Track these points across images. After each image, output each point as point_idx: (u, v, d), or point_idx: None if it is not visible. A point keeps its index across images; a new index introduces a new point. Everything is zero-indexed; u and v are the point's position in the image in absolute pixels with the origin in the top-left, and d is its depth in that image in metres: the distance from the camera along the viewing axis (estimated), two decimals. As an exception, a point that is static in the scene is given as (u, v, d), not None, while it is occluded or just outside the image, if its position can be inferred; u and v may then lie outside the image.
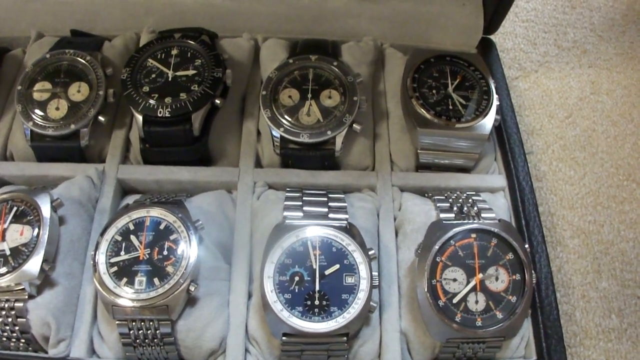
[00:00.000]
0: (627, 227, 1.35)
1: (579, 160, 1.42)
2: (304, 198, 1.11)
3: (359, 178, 1.20)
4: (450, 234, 1.07)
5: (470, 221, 1.09)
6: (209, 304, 1.07)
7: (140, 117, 1.16)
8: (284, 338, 1.02)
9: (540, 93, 1.49)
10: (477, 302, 1.05)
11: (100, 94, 1.20)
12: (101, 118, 1.19)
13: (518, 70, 1.52)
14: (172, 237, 1.06)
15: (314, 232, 1.06)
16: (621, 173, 1.41)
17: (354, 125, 1.17)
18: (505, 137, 1.26)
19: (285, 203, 1.10)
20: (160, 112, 1.15)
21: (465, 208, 1.12)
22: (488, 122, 1.20)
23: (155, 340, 1.04)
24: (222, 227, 1.16)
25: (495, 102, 1.22)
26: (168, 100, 1.16)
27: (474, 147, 1.20)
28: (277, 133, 1.16)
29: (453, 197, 1.15)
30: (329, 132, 1.15)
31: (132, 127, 1.26)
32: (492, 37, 1.43)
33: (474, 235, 1.08)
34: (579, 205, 1.37)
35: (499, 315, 1.05)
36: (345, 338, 1.02)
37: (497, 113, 1.21)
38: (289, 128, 1.16)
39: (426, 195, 1.20)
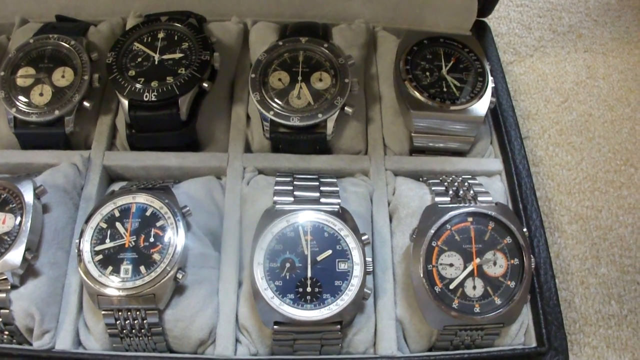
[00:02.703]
0: (625, 212, 1.30)
1: (575, 145, 1.37)
2: (294, 183, 1.05)
3: (351, 162, 1.15)
4: (446, 217, 1.01)
5: (466, 205, 1.04)
6: (198, 292, 1.01)
7: (126, 102, 1.10)
8: (275, 327, 0.96)
9: (535, 78, 1.44)
10: (474, 287, 1.00)
11: (85, 79, 1.14)
12: (86, 104, 1.13)
13: (513, 55, 1.47)
14: (158, 224, 1.00)
15: (305, 217, 1.00)
16: (619, 158, 1.36)
17: (345, 108, 1.11)
18: (501, 120, 1.20)
19: (276, 188, 1.04)
20: (146, 96, 1.09)
21: (461, 192, 1.06)
22: (483, 104, 1.14)
23: (143, 330, 0.98)
24: (211, 214, 1.10)
25: (491, 84, 1.16)
26: (154, 84, 1.10)
27: (469, 130, 1.14)
28: (267, 117, 1.10)
29: (448, 180, 1.09)
30: (320, 115, 1.09)
31: (118, 113, 1.19)
32: (486, 20, 1.37)
33: (470, 219, 1.02)
34: (577, 191, 1.32)
35: (498, 301, 0.99)
36: (338, 326, 0.96)
37: (492, 95, 1.15)
38: (279, 111, 1.10)
39: (421, 179, 1.14)
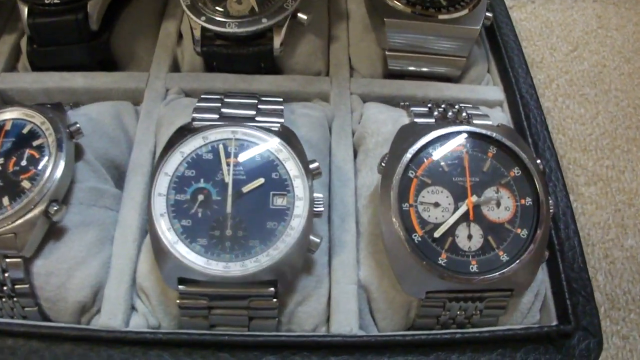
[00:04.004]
0: (653, 175, 0.88)
1: (589, 98, 0.96)
2: (225, 100, 0.64)
3: (306, 84, 0.73)
4: (429, 138, 0.60)
5: (457, 124, 0.63)
6: (82, 238, 0.61)
7: (25, 8, 0.72)
8: (180, 287, 0.55)
9: (539, 24, 1.04)
10: (470, 237, 0.58)
11: (-16, -11, 0.77)
12: (-16, 17, 0.76)
13: (512, 0, 1.07)
14: (35, 143, 0.62)
15: (229, 132, 0.60)
16: None
17: (298, 14, 0.71)
18: (501, 42, 0.79)
19: (198, 104, 0.64)
20: (48, -1, 0.71)
21: (451, 113, 0.65)
22: (477, 15, 0.74)
23: (5, 288, 0.59)
24: (116, 142, 0.69)
25: (487, -5, 0.76)
26: (61, -15, 0.72)
27: (459, 48, 0.73)
28: (197, 24, 0.71)
29: (434, 103, 0.68)
30: (264, 20, 0.70)
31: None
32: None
33: (463, 142, 0.61)
34: (593, 148, 0.91)
35: (504, 257, 0.58)
36: (272, 289, 0.56)
37: (487, 10, 0.75)
38: (212, 17, 0.71)
39: (400, 105, 0.73)
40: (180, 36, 0.78)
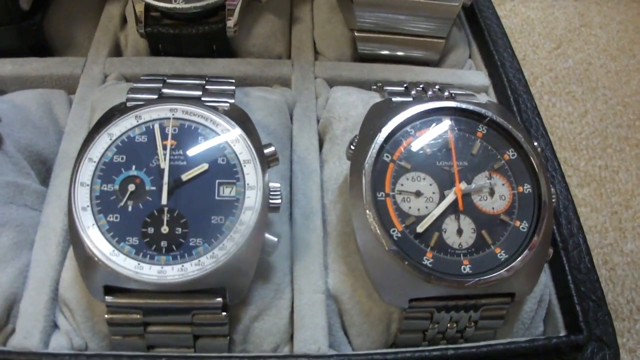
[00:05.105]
0: (648, 174, 0.78)
1: (576, 96, 0.87)
2: (167, 80, 0.53)
3: (264, 68, 0.61)
4: (406, 115, 0.49)
5: (440, 98, 0.52)
6: (-6, 241, 0.48)
7: (-56, -12, 0.60)
8: (107, 298, 0.43)
9: (519, 22, 0.96)
10: (460, 231, 0.47)
11: None
12: None
13: (490, -3, 0.99)
14: None
15: (167, 111, 0.48)
16: (630, 112, 0.87)
17: (256, -9, 0.61)
18: (483, 25, 0.69)
19: (135, 85, 0.52)
20: (-31, -25, 0.60)
21: (431, 92, 0.54)
22: (457, -9, 0.64)
23: None
24: (44, 134, 0.56)
25: (466, -28, 0.66)
26: (-16, -38, 0.61)
27: (437, 28, 0.63)
28: (140, 1, 0.59)
29: (411, 83, 0.57)
30: (216, -5, 0.59)
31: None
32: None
33: (447, 121, 0.50)
34: (584, 147, 0.81)
35: (501, 255, 0.46)
36: (219, 299, 0.43)
37: (468, -10, 0.66)
38: (158, -8, 0.60)
39: (372, 88, 0.60)
40: (124, 20, 0.66)
